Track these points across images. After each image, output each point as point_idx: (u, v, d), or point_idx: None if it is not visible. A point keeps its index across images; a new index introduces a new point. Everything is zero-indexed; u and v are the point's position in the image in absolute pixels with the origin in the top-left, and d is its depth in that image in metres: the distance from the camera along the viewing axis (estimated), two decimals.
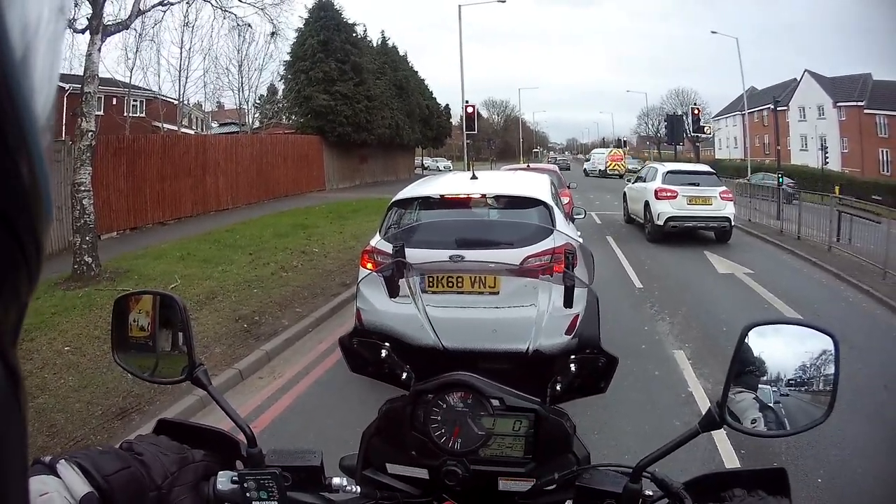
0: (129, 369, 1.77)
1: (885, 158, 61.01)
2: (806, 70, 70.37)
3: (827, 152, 54.37)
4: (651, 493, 1.56)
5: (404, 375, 1.79)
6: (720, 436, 5.96)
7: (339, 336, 1.90)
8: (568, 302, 2.15)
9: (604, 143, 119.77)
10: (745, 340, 1.49)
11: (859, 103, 62.77)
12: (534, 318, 2.92)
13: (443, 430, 1.66)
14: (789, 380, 1.50)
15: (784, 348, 1.52)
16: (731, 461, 5.76)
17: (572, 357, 1.75)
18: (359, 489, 1.73)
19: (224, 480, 1.60)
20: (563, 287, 2.21)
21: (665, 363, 8.37)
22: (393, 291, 2.28)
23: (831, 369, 1.49)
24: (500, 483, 1.66)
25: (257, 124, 39.41)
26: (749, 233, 21.30)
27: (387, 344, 1.83)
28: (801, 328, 1.55)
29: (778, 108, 35.65)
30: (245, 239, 16.76)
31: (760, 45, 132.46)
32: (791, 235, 20.02)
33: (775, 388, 1.50)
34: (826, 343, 1.50)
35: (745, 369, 1.50)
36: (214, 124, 50.86)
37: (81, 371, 7.46)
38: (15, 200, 0.39)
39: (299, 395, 7.31)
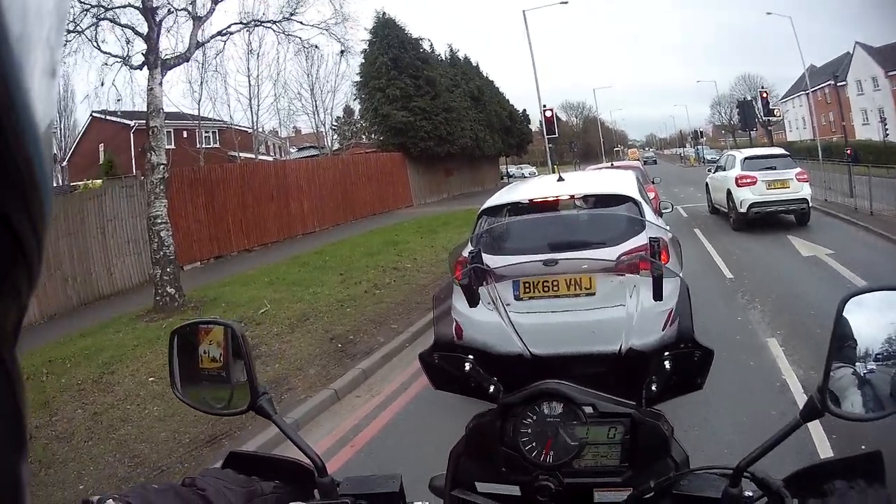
0: (193, 404, 1.74)
1: None
2: (856, 42, 69.10)
3: (886, 124, 53.22)
4: (751, 493, 1.48)
5: (492, 388, 1.71)
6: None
7: (420, 352, 1.84)
8: (658, 294, 2.04)
9: (681, 136, 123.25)
10: (843, 314, 1.38)
11: None
12: (624, 316, 2.89)
13: (534, 444, 1.60)
14: (881, 352, 1.38)
15: (883, 319, 1.40)
16: (820, 443, 5.57)
17: (666, 353, 1.65)
18: None
19: None
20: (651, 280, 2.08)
21: (759, 352, 8.19)
22: (472, 300, 2.18)
23: None
24: (596, 494, 1.60)
25: (337, 146, 39.78)
26: (826, 213, 21.05)
27: (470, 357, 1.75)
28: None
29: (838, 84, 34.98)
30: (334, 260, 16.86)
31: (814, 20, 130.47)
32: (864, 212, 19.66)
33: (879, 363, 1.38)
34: None
35: (844, 344, 1.39)
36: (293, 149, 51.49)
37: (167, 401, 7.46)
38: (15, 200, 0.40)
39: (397, 412, 7.27)
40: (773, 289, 11.36)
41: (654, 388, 1.63)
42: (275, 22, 18.60)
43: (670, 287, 2.05)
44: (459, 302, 2.84)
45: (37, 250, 0.42)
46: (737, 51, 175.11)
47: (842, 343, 1.39)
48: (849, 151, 25.77)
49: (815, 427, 5.71)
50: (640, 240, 6.29)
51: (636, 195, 7.23)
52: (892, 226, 16.94)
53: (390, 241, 19.46)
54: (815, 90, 66.97)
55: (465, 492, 1.66)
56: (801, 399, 6.41)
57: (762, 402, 6.68)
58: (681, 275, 2.15)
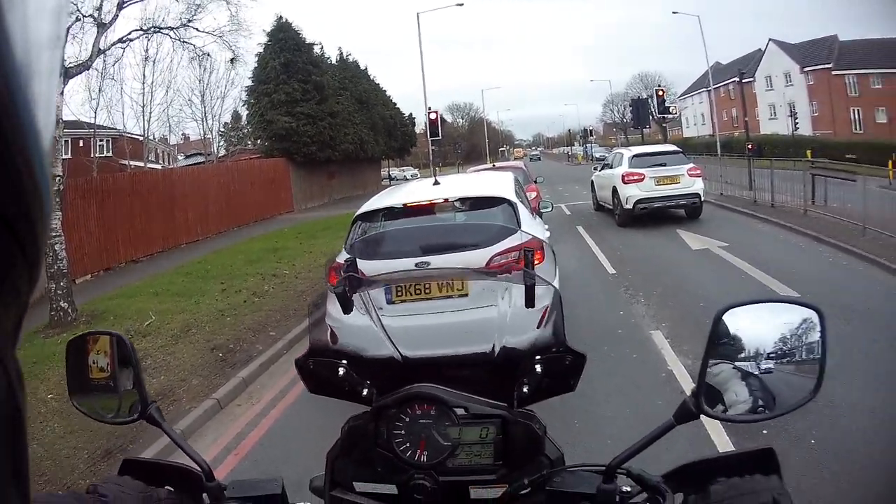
0: (88, 413, 1.75)
1: (856, 117, 61.50)
2: (770, 39, 71.17)
3: (797, 118, 54.93)
4: (628, 488, 1.53)
5: (365, 392, 1.75)
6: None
7: (295, 358, 1.88)
8: (530, 302, 2.07)
9: (570, 135, 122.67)
10: (720, 325, 1.45)
11: (827, 66, 63.47)
12: (496, 316, 2.91)
13: (408, 444, 1.64)
14: (767, 353, 1.46)
15: (765, 327, 1.48)
16: (718, 436, 5.72)
17: (538, 358, 1.69)
18: None
19: None
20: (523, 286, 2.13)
21: (643, 345, 8.42)
22: (346, 307, 2.17)
23: (817, 344, 1.46)
24: (472, 492, 1.64)
25: (223, 152, 39.53)
26: (722, 206, 21.59)
27: (344, 361, 1.79)
28: (782, 304, 1.52)
29: (744, 80, 35.94)
30: (216, 268, 16.88)
31: (723, 20, 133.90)
32: (765, 205, 20.21)
33: (748, 363, 1.46)
34: (811, 317, 1.47)
35: (721, 343, 1.46)
36: (181, 156, 51.08)
37: (67, 417, 7.44)
38: (15, 201, 0.40)
39: (277, 418, 7.39)
40: (659, 282, 11.71)
41: (525, 389, 1.67)
42: (173, 28, 18.59)
43: (542, 290, 2.07)
44: (334, 308, 2.80)
45: (37, 250, 0.43)
46: (639, 50, 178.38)
47: (723, 349, 1.46)
48: (750, 146, 26.48)
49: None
50: (513, 241, 6.53)
51: (511, 197, 7.49)
52: (793, 216, 17.49)
53: (270, 248, 19.72)
54: (719, 87, 69.71)
55: (344, 491, 1.71)
56: (687, 388, 6.63)
57: (647, 394, 6.89)
58: (554, 283, 2.27)
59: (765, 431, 5.76)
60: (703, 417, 1.43)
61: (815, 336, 1.46)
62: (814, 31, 76.65)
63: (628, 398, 6.75)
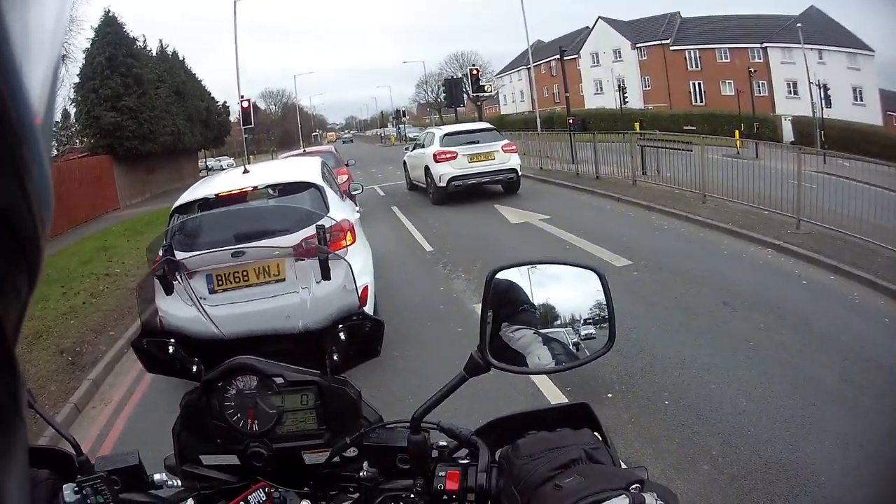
0: None
1: (697, 90, 63.48)
2: (599, 17, 72.21)
3: (626, 92, 55.95)
4: (445, 443, 1.70)
5: (195, 368, 1.85)
6: (542, 378, 6.36)
7: (132, 340, 1.98)
8: (326, 275, 2.28)
9: (383, 117, 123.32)
10: (511, 285, 1.63)
11: (664, 42, 65.30)
12: (298, 301, 2.92)
13: (239, 415, 1.73)
14: (571, 319, 1.62)
15: (562, 290, 1.65)
16: (557, 399, 6.03)
17: (339, 326, 1.84)
18: (179, 483, 1.80)
19: (69, 493, 1.66)
20: (319, 263, 2.36)
21: (466, 318, 8.58)
22: (167, 290, 2.32)
23: (602, 301, 1.62)
24: (305, 457, 1.75)
25: (54, 152, 38.16)
26: (543, 181, 22.06)
27: (172, 340, 1.90)
28: (570, 268, 1.69)
29: (568, 57, 36.82)
30: (55, 271, 16.39)
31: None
32: (589, 177, 20.70)
33: (559, 328, 1.62)
34: (589, 276, 1.64)
35: (522, 310, 1.63)
36: None
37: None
38: (15, 201, 0.40)
39: (129, 416, 7.51)
40: (479, 257, 12.09)
41: (335, 357, 1.81)
42: None
43: (342, 267, 2.21)
44: (160, 298, 2.77)
45: (37, 250, 0.44)
46: (455, 30, 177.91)
47: (519, 310, 1.64)
48: (571, 121, 27.07)
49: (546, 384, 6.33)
50: (322, 224, 6.50)
51: (318, 181, 7.89)
52: (619, 187, 18.04)
53: (101, 248, 19.51)
54: (539, 64, 69.72)
55: (193, 465, 1.78)
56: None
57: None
58: (348, 259, 2.42)
59: (609, 395, 6.18)
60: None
61: (600, 295, 1.62)
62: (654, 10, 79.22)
63: (458, 370, 6.75)
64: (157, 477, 1.80)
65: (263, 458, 1.70)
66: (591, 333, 1.60)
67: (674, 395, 6.14)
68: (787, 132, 50.95)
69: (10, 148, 0.37)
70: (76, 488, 1.65)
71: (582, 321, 1.61)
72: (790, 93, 57.30)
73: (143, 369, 5.71)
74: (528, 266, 1.65)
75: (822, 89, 49.57)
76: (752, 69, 56.87)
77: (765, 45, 59.11)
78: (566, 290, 1.64)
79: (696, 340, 7.30)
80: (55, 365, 8.98)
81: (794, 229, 11.91)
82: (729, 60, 61.46)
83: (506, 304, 1.62)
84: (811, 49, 53.67)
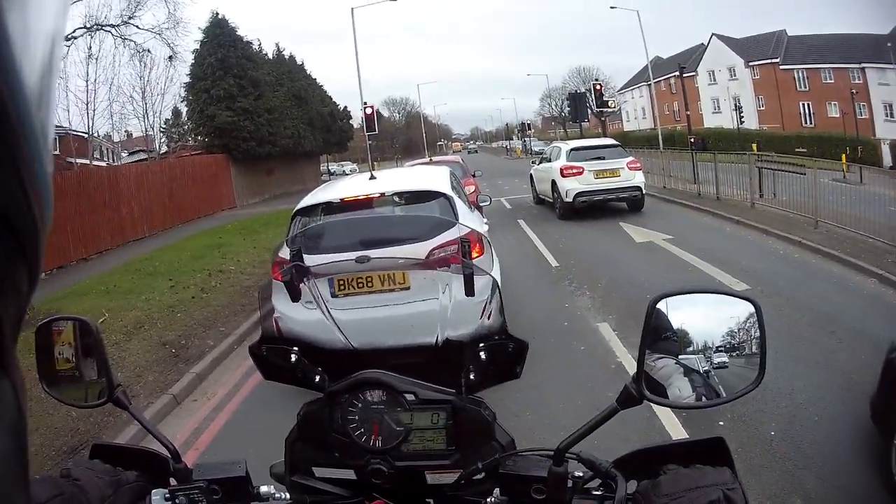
0: (60, 398, 1.83)
1: (806, 111, 62.07)
2: (713, 34, 71.57)
3: (742, 112, 55.14)
4: (581, 473, 1.61)
5: (317, 378, 1.82)
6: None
7: (249, 345, 1.93)
8: (469, 290, 2.26)
9: (508, 129, 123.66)
10: (655, 312, 1.53)
11: (774, 60, 63.97)
12: (438, 309, 2.98)
13: (362, 430, 1.70)
14: (716, 347, 1.54)
15: (705, 317, 1.57)
16: (673, 428, 5.87)
17: (481, 345, 1.75)
18: (287, 496, 1.78)
19: (157, 499, 1.66)
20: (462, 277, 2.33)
21: (590, 337, 8.51)
22: (294, 296, 2.31)
23: (756, 333, 1.54)
24: (428, 476, 1.70)
25: (165, 149, 39.21)
26: (665, 200, 21.78)
27: (295, 348, 1.84)
28: (719, 296, 1.62)
29: (685, 74, 36.33)
30: (164, 265, 16.79)
31: (663, 13, 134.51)
32: (710, 198, 20.37)
33: (700, 356, 1.54)
34: (747, 308, 1.55)
35: (664, 337, 1.55)
36: (125, 153, 50.49)
37: (30, 415, 7.39)
38: (15, 201, 0.40)
39: (233, 412, 7.46)
40: (604, 275, 11.76)
41: (472, 376, 1.74)
42: (115, 26, 18.42)
43: (482, 282, 2.22)
44: (279, 301, 2.98)
45: (37, 250, 0.44)
46: (576, 44, 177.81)
47: (661, 336, 1.55)
48: (693, 139, 26.52)
49: (662, 410, 6.01)
50: (451, 235, 6.61)
51: (448, 190, 7.74)
52: (740, 209, 17.62)
53: (214, 244, 19.70)
54: (659, 81, 69.90)
55: (304, 477, 1.75)
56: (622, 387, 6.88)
57: (597, 385, 6.97)
58: (491, 273, 2.36)
59: (721, 423, 5.95)
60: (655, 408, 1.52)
61: (754, 328, 1.54)
62: (758, 27, 77.65)
63: (579, 390, 6.84)
64: (263, 489, 1.77)
65: (383, 476, 1.67)
66: (724, 362, 1.53)
67: (780, 425, 5.94)
68: (887, 156, 49.12)
69: (10, 148, 0.39)
70: (167, 495, 1.66)
71: (714, 348, 1.54)
72: (888, 115, 56.07)
73: (251, 367, 5.73)
74: (693, 295, 1.59)
75: None
76: (853, 90, 55.83)
77: (863, 65, 57.79)
78: (701, 316, 1.57)
79: (806, 370, 7.08)
80: (156, 356, 9.08)
81: None
82: (833, 81, 60.25)
83: (650, 332, 1.54)
84: None
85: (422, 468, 1.68)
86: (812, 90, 61.65)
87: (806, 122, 61.66)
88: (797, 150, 42.20)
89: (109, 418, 6.86)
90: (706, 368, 1.53)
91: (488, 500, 1.65)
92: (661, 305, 1.53)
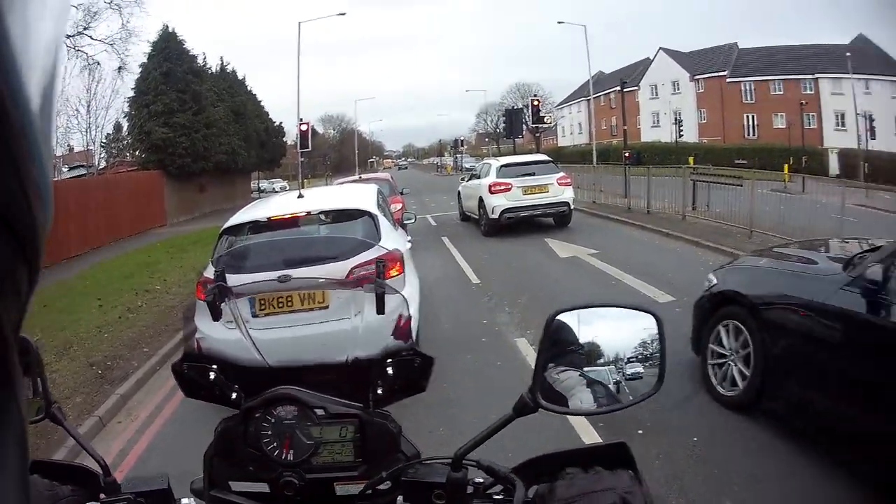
0: None
1: (750, 123, 63.68)
2: (660, 48, 72.97)
3: (681, 125, 55.75)
4: (482, 479, 1.66)
5: (234, 395, 1.87)
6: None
7: (172, 363, 1.96)
8: (380, 309, 2.28)
9: (440, 145, 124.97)
10: (562, 326, 1.59)
11: (721, 73, 65.56)
12: (349, 329, 3.00)
13: (275, 444, 1.74)
14: (627, 358, 1.61)
15: (616, 329, 1.64)
16: (589, 437, 6.00)
17: (389, 361, 1.83)
18: None
19: None
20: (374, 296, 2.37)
21: (507, 352, 8.62)
22: (216, 315, 2.33)
23: (656, 345, 1.62)
24: (337, 488, 1.76)
25: (104, 164, 38.78)
26: (594, 214, 22.07)
27: (214, 366, 1.89)
28: (625, 310, 1.68)
29: (627, 89, 36.82)
30: (94, 284, 16.76)
31: (613, 29, 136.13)
32: (641, 211, 20.77)
33: (611, 367, 1.60)
34: (650, 321, 1.64)
35: (569, 350, 1.60)
36: (65, 168, 49.96)
37: None
38: (15, 201, 0.41)
39: (156, 433, 7.45)
40: (525, 291, 11.83)
41: (379, 391, 1.82)
42: (70, 36, 18.19)
43: (395, 300, 2.29)
44: (201, 321, 2.93)
45: (37, 251, 0.45)
46: (521, 60, 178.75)
47: (564, 349, 1.61)
48: (627, 154, 27.17)
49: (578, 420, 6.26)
50: (372, 254, 6.85)
51: (373, 209, 7.86)
52: (669, 222, 18.05)
53: (144, 263, 19.79)
54: (599, 96, 70.49)
55: (222, 491, 1.79)
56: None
57: (512, 400, 6.91)
58: (403, 292, 2.47)
59: (640, 431, 6.08)
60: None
61: (655, 339, 1.62)
62: (715, 40, 78.97)
63: (494, 405, 6.67)
64: (184, 501, 1.82)
65: (294, 488, 1.73)
66: (639, 372, 1.62)
67: (702, 431, 6.10)
68: (833, 165, 50.85)
69: (10, 148, 0.39)
70: None
71: (626, 360, 1.62)
72: (838, 125, 57.80)
73: (173, 388, 5.83)
74: (592, 309, 1.66)
75: (867, 120, 49.14)
76: (803, 101, 57.22)
77: (817, 75, 59.22)
78: (613, 330, 1.65)
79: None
80: (84, 377, 9.04)
81: None
82: (782, 92, 61.90)
83: (554, 345, 1.61)
84: (859, 79, 53.89)
85: (331, 480, 1.75)
86: (758, 102, 63.39)
87: (749, 134, 63.25)
88: (737, 162, 43.00)
89: (41, 440, 6.69)
90: (617, 379, 1.59)
91: None
92: (569, 320, 1.60)
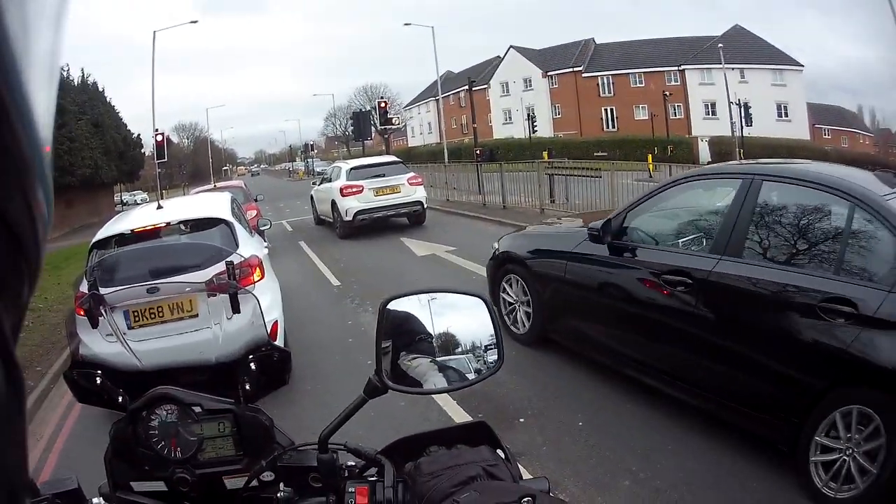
0: None
1: (609, 116, 64.76)
2: (511, 46, 73.47)
3: (535, 121, 56.79)
4: (353, 463, 1.78)
5: (120, 399, 1.96)
6: (452, 406, 6.61)
7: (64, 371, 2.05)
8: (235, 308, 2.57)
9: (291, 151, 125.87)
10: (408, 317, 1.77)
11: (576, 69, 66.17)
12: (211, 338, 2.95)
13: (163, 442, 1.83)
14: (470, 345, 1.75)
15: (457, 316, 1.78)
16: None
17: (250, 357, 2.00)
18: None
19: None
20: (229, 297, 2.64)
21: (374, 351, 8.37)
22: (93, 323, 2.50)
23: (490, 324, 1.76)
24: (227, 482, 1.86)
25: None
26: (449, 212, 22.35)
27: (99, 371, 1.99)
28: (455, 295, 1.85)
29: (477, 87, 37.27)
30: None
31: (464, 29, 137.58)
32: (496, 207, 21.03)
33: (458, 354, 1.74)
34: (478, 303, 1.79)
35: (419, 339, 1.75)
36: None
37: None
38: (16, 201, 0.40)
39: (61, 450, 7.34)
40: (385, 290, 11.56)
41: (247, 386, 1.98)
42: None
43: (250, 302, 2.36)
44: (83, 333, 2.79)
45: (37, 251, 0.44)
46: (367, 63, 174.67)
47: (416, 339, 1.76)
48: (478, 151, 27.73)
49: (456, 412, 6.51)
50: (232, 261, 6.72)
51: (229, 217, 8.04)
52: (526, 216, 18.02)
53: None
54: (448, 95, 70.90)
55: (126, 492, 1.85)
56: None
57: (383, 397, 7.08)
58: (254, 293, 2.64)
59: (521, 420, 6.30)
60: None
61: (487, 318, 1.76)
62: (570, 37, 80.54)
63: (370, 402, 6.80)
64: (94, 501, 1.82)
65: (188, 484, 1.80)
66: (481, 354, 1.73)
67: (586, 414, 6.23)
68: (704, 152, 52.11)
69: (10, 148, 0.37)
70: None
71: (484, 347, 1.73)
72: (708, 114, 58.97)
73: (70, 403, 6.02)
74: (421, 295, 1.79)
75: (742, 108, 50.64)
76: (667, 93, 58.49)
77: (682, 67, 60.47)
78: (464, 318, 1.77)
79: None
80: None
81: None
82: (643, 85, 63.02)
83: (403, 334, 1.74)
84: (732, 69, 55.02)
85: (219, 474, 1.84)
86: (617, 95, 64.55)
87: (608, 127, 64.37)
88: (596, 154, 43.91)
89: None
90: (476, 366, 1.73)
91: (278, 494, 1.76)
92: (416, 310, 1.76)
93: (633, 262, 6.47)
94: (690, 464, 5.22)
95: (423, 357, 1.72)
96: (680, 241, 6.26)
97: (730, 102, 52.58)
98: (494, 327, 1.74)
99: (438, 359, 1.72)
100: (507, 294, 8.40)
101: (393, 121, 46.22)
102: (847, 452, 4.66)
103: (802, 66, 55.97)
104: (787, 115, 55.93)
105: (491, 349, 1.74)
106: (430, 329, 1.73)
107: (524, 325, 8.17)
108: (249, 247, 7.92)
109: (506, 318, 8.35)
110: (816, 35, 65.77)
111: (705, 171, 7.21)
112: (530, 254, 8.00)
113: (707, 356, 5.55)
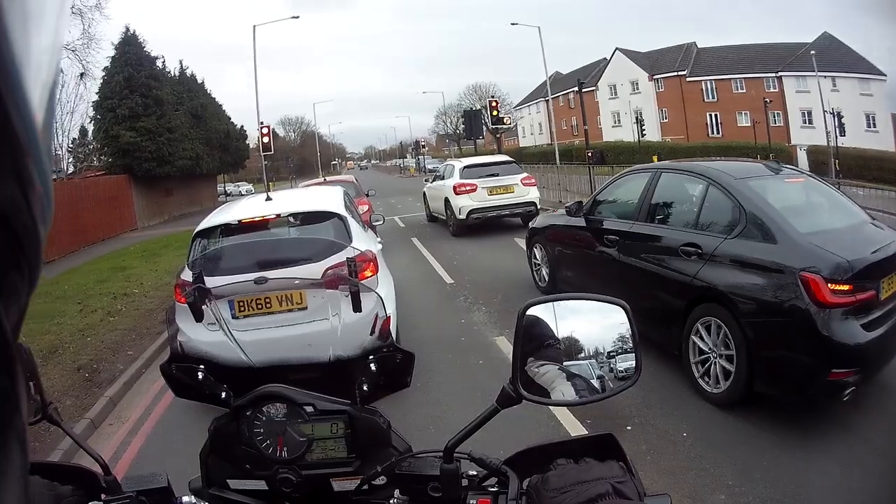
0: None
1: (713, 122, 63.73)
2: (617, 48, 72.79)
3: (643, 125, 56.20)
4: (475, 472, 1.71)
5: (223, 394, 1.90)
6: (562, 411, 6.51)
7: (160, 364, 1.99)
8: (357, 307, 2.39)
9: (402, 147, 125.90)
10: (538, 322, 1.64)
11: (680, 73, 65.34)
12: (329, 329, 3.03)
13: (268, 441, 1.79)
14: (594, 350, 1.64)
15: (591, 322, 1.67)
16: (577, 431, 6.09)
17: (371, 357, 1.86)
18: None
19: None
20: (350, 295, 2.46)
21: (487, 351, 8.77)
22: (198, 317, 2.37)
23: (629, 334, 1.65)
24: (334, 484, 1.81)
25: (71, 169, 38.26)
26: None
27: (201, 366, 1.92)
28: (590, 302, 1.71)
29: (585, 90, 36.69)
30: (72, 288, 16.55)
31: (567, 31, 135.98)
32: None
33: (583, 361, 1.63)
34: (618, 311, 1.67)
35: (547, 345, 1.63)
36: None
37: None
38: (15, 201, 0.41)
39: (147, 434, 7.46)
40: (498, 290, 12.00)
41: (365, 387, 1.84)
42: None
43: (371, 299, 2.36)
44: (182, 322, 3.11)
45: (37, 251, 0.45)
46: (476, 61, 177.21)
47: (542, 343, 1.64)
48: (590, 153, 27.17)
49: (566, 416, 6.48)
50: (345, 255, 6.88)
51: (342, 211, 7.98)
52: None
53: (118, 267, 19.64)
54: (557, 96, 70.75)
55: (221, 489, 1.84)
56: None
57: (495, 396, 7.12)
58: (377, 290, 2.60)
59: (629, 427, 6.26)
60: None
61: (626, 327, 1.66)
62: (671, 40, 78.65)
63: (479, 402, 6.68)
64: (185, 500, 1.82)
65: (292, 485, 1.77)
66: (614, 362, 1.64)
67: (691, 426, 6.19)
68: (803, 162, 50.73)
69: (11, 148, 0.39)
70: None
71: (606, 354, 1.64)
72: (805, 122, 57.81)
73: (161, 389, 6.41)
74: (557, 301, 1.68)
75: (836, 117, 49.02)
76: (767, 99, 56.68)
77: (780, 73, 59.33)
78: (590, 323, 1.66)
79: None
80: (72, 380, 9.02)
81: None
82: (745, 91, 61.88)
83: (531, 340, 1.63)
84: (825, 76, 53.53)
85: (326, 476, 1.79)
86: (721, 101, 63.22)
87: (713, 133, 63.14)
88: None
89: (34, 443, 6.70)
90: (600, 374, 1.64)
91: (390, 501, 1.75)
92: (543, 314, 1.65)
93: (592, 229, 9.36)
94: (785, 483, 5.20)
95: (550, 364, 1.63)
96: (614, 213, 9.12)
97: (824, 111, 51.17)
98: (634, 337, 1.65)
99: (565, 364, 1.63)
100: (535, 256, 11.77)
101: (504, 120, 45.84)
102: (714, 356, 6.66)
103: (885, 75, 54.76)
104: (874, 125, 54.85)
105: (615, 356, 1.64)
106: (556, 334, 1.63)
107: (544, 280, 11.42)
108: (363, 242, 7.83)
109: (534, 274, 11.86)
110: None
111: (636, 168, 9.60)
112: (545, 227, 11.34)
113: (627, 284, 8.06)
